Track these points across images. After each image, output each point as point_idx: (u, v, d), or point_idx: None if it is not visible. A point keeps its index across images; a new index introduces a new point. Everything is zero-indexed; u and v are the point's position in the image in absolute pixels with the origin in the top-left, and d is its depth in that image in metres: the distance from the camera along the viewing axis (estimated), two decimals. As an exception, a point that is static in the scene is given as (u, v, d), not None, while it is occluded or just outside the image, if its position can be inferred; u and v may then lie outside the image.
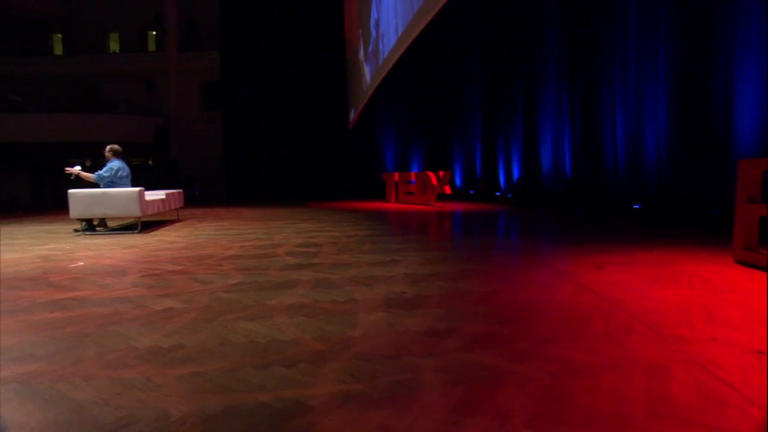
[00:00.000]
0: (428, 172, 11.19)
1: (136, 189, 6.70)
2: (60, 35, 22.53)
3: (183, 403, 1.62)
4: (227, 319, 2.53)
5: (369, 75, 9.77)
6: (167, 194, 7.84)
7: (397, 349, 2.10)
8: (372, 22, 8.86)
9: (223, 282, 3.42)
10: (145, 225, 7.23)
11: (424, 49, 8.10)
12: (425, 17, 6.10)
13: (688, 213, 6.35)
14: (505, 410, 1.54)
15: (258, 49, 16.47)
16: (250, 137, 16.32)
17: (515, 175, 11.49)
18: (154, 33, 21.95)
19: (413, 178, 12.15)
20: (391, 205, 11.96)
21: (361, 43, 11.97)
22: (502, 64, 11.90)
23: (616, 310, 2.63)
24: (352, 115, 14.07)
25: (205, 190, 15.61)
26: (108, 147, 7.37)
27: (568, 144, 9.34)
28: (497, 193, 12.31)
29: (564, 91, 9.42)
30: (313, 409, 1.57)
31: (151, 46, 21.95)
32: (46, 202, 18.22)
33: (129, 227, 7.33)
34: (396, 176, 12.98)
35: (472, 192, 13.69)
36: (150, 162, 18.47)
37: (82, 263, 4.43)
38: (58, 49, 22.53)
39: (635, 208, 7.41)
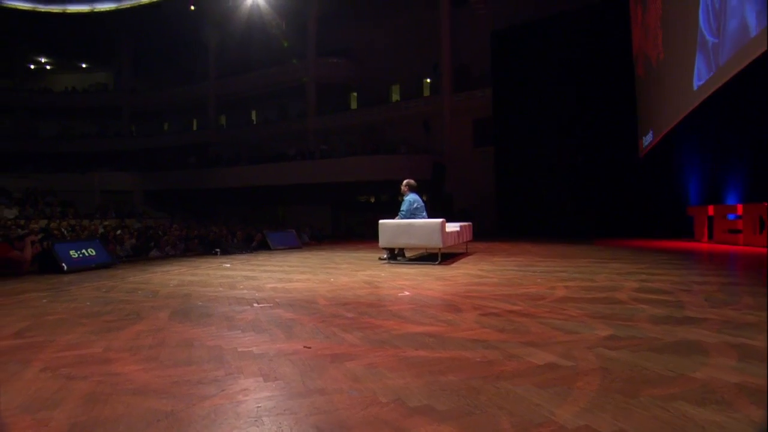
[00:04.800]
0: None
1: (439, 220, 6.74)
2: (355, 93, 26.98)
3: None
4: (657, 396, 1.80)
5: (696, 82, 8.02)
6: (461, 227, 7.79)
7: None
8: (703, 23, 7.23)
9: (590, 333, 2.74)
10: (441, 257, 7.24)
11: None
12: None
13: None
14: None
15: (528, 81, 16.04)
16: (522, 170, 15.79)
17: None
18: (428, 80, 24.12)
19: (739, 212, 9.55)
20: (703, 245, 9.65)
21: (664, 52, 10.16)
22: None
23: None
24: (647, 141, 12.04)
25: (477, 224, 15.67)
26: (405, 182, 7.76)
27: None
28: None
29: None
30: None
31: (426, 92, 24.14)
32: (341, 231, 21.37)
33: (425, 258, 7.48)
34: (710, 210, 10.49)
35: (833, 231, 10.01)
36: (424, 198, 19.81)
37: (408, 293, 4.40)
38: (354, 105, 27.01)
39: None
